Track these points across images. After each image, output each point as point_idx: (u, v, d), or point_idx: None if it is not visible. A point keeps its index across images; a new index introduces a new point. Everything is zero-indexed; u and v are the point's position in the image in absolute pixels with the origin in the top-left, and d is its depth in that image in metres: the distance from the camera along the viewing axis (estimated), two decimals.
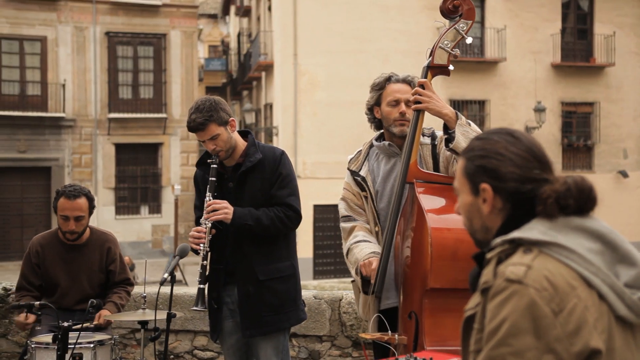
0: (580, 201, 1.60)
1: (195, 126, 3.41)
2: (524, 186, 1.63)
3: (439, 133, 3.22)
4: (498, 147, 1.67)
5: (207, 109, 3.41)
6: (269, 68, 22.49)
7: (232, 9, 34.64)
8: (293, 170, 3.58)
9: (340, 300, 4.87)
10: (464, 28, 3.07)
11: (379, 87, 3.31)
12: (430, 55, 3.08)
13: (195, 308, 3.38)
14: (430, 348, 2.73)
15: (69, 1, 22.69)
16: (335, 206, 3.60)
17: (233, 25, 35.46)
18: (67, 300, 4.17)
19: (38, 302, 3.71)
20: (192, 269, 19.20)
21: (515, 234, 1.59)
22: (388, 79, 3.30)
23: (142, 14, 23.49)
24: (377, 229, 3.28)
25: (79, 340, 3.40)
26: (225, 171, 3.54)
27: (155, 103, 23.67)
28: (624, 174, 21.98)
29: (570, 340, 1.48)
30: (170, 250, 22.74)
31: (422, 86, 3.04)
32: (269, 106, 22.95)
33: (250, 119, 23.33)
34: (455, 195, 1.77)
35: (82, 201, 4.11)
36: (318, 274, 20.04)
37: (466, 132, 2.94)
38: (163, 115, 23.52)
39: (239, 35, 30.26)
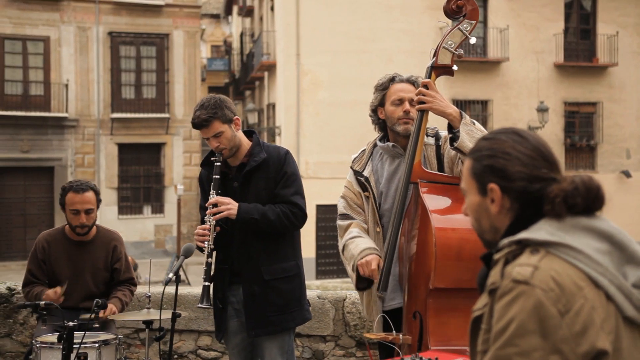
0: (588, 200, 1.59)
1: (199, 122, 3.42)
2: (532, 185, 1.63)
3: (443, 133, 3.22)
4: (505, 147, 1.66)
5: (211, 106, 3.42)
6: (271, 68, 22.50)
7: (235, 9, 34.67)
8: (298, 169, 3.59)
9: (344, 300, 4.87)
10: (468, 28, 3.07)
11: (383, 88, 3.31)
12: (434, 55, 3.09)
13: (200, 305, 3.38)
14: (434, 348, 2.74)
15: (72, 1, 22.72)
16: None
17: (235, 25, 35.49)
18: (71, 299, 4.18)
19: (43, 302, 3.71)
20: (195, 269, 19.20)
21: (523, 235, 1.59)
22: (392, 79, 3.30)
23: (144, 14, 23.51)
24: (378, 229, 3.27)
25: (83, 340, 3.41)
26: (230, 171, 3.54)
27: (158, 103, 23.69)
28: (627, 174, 21.94)
29: (577, 340, 1.47)
30: (173, 250, 22.74)
31: (426, 86, 3.05)
32: (272, 106, 22.95)
33: (252, 118, 23.34)
34: (459, 195, 1.77)
35: (90, 194, 4.17)
36: (321, 274, 20.03)
37: (471, 131, 2.94)
38: (166, 115, 23.54)
39: (241, 35, 30.27)
